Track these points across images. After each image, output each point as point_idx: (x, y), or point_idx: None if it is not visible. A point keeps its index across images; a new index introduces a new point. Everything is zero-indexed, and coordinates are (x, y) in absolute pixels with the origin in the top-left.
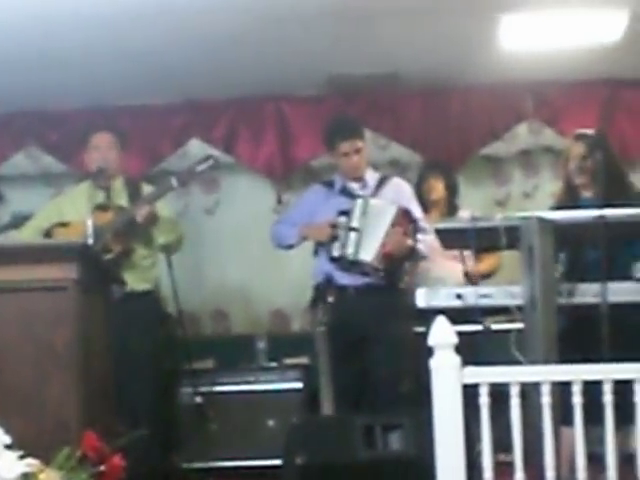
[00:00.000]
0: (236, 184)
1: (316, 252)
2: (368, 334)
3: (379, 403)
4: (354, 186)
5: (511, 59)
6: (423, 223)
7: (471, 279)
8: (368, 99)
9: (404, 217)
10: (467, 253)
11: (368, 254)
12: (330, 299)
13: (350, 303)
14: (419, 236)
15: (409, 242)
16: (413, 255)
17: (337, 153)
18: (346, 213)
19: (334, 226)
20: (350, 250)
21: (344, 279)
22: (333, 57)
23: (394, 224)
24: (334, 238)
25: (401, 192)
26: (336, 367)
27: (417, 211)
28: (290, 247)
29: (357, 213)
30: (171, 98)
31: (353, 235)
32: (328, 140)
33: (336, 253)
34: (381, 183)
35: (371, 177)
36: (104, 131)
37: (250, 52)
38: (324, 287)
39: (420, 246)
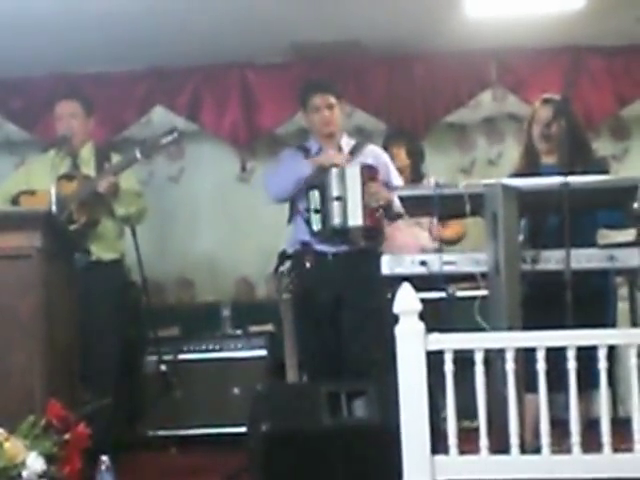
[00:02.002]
0: (200, 152)
1: (290, 220)
2: (343, 300)
3: (353, 370)
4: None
5: (475, 26)
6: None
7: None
8: (332, 66)
9: (369, 172)
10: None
11: (357, 218)
12: (307, 264)
13: (327, 268)
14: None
15: (386, 193)
16: (391, 208)
17: (309, 108)
18: (316, 186)
19: (315, 212)
20: (337, 220)
21: (322, 246)
22: (297, 24)
23: (364, 181)
24: (316, 212)
25: (378, 159)
26: (309, 333)
27: (396, 178)
28: (294, 188)
29: (335, 182)
30: (135, 65)
31: (336, 204)
32: (301, 96)
33: (316, 227)
34: (355, 150)
35: (346, 143)
36: (68, 99)
37: (214, 19)
38: (302, 252)
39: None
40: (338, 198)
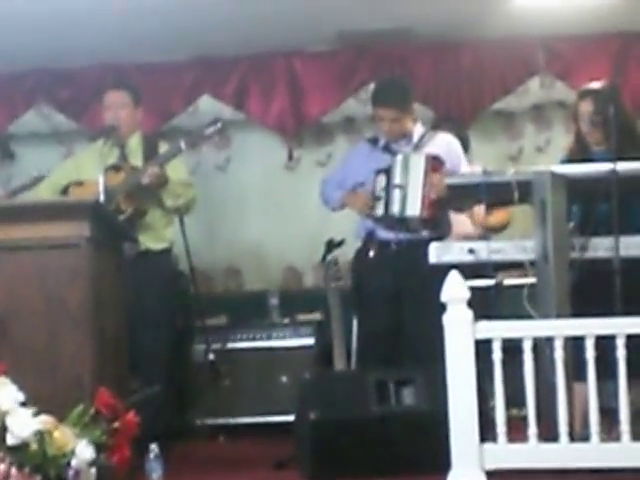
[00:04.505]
0: (247, 141)
1: None
2: (405, 290)
3: (410, 359)
4: (399, 142)
5: (523, 13)
6: None
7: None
8: (379, 54)
9: (434, 163)
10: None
11: (415, 208)
12: (371, 253)
13: (390, 257)
14: None
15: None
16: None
17: (375, 113)
18: (384, 171)
19: (376, 198)
20: (396, 208)
21: (386, 235)
22: (344, 12)
23: (427, 172)
24: (377, 198)
25: (449, 148)
26: (366, 320)
27: (465, 168)
28: (333, 210)
29: (398, 169)
30: (182, 55)
31: (397, 192)
32: (371, 98)
33: (379, 212)
34: (424, 138)
35: (416, 132)
36: (117, 89)
37: (260, 8)
38: (366, 241)
39: None
40: (399, 186)
